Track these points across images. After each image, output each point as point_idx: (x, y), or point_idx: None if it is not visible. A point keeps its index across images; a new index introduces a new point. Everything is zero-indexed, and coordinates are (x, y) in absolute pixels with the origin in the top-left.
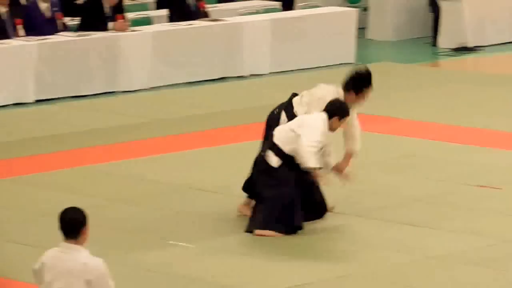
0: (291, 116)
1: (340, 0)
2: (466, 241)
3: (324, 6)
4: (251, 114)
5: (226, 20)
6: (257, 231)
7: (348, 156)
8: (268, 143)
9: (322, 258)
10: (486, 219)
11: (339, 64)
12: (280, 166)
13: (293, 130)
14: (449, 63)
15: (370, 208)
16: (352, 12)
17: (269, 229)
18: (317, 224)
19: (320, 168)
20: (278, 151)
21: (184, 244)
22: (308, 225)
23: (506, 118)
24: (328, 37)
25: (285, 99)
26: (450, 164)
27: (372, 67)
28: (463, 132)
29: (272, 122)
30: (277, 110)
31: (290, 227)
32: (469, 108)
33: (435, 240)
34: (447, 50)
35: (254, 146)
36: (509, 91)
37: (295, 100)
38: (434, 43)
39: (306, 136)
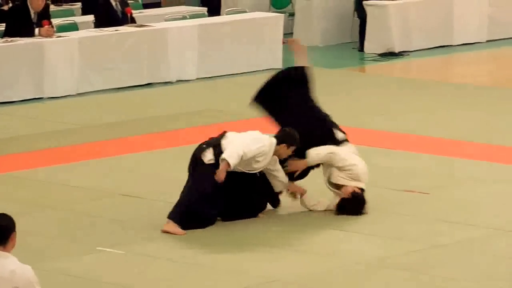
0: (218, 154)
1: (266, 6)
2: (393, 246)
3: (251, 12)
4: (178, 120)
5: (152, 26)
6: (165, 227)
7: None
8: (215, 140)
9: (249, 265)
10: (414, 224)
11: (266, 69)
12: (210, 164)
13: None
14: (375, 68)
15: (296, 213)
16: (278, 18)
17: (178, 225)
18: (247, 231)
19: (228, 167)
20: (218, 153)
21: (113, 250)
22: (235, 233)
23: (431, 123)
24: (255, 42)
25: (211, 104)
26: (376, 169)
27: None
28: (388, 137)
29: (197, 155)
30: (205, 145)
31: (199, 222)
32: (395, 113)
33: (362, 245)
34: (373, 55)
35: (182, 152)
36: (435, 96)
37: (223, 142)
38: (361, 48)
39: (246, 143)
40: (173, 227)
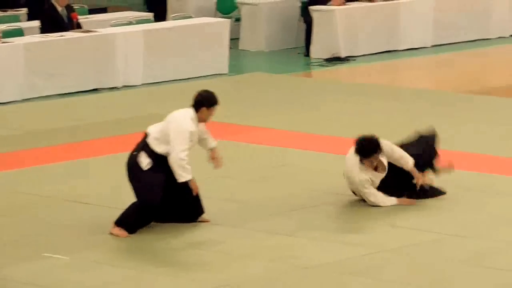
0: (151, 154)
1: (212, 11)
2: (343, 250)
3: (197, 17)
4: (125, 125)
5: (98, 31)
6: (112, 230)
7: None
8: (142, 142)
9: (197, 270)
10: (363, 228)
11: (213, 74)
12: (149, 169)
13: (167, 133)
14: (321, 73)
15: (246, 218)
16: (224, 23)
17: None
18: (193, 235)
19: (190, 179)
20: (151, 153)
21: (59, 256)
22: (183, 237)
23: (376, 127)
24: (201, 47)
25: (157, 110)
26: (321, 173)
27: (245, 78)
28: (334, 142)
29: (132, 164)
30: (135, 152)
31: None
32: (340, 118)
33: (311, 250)
34: (319, 60)
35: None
36: (381, 101)
37: (150, 141)
38: (307, 54)
39: (174, 148)
40: (118, 230)
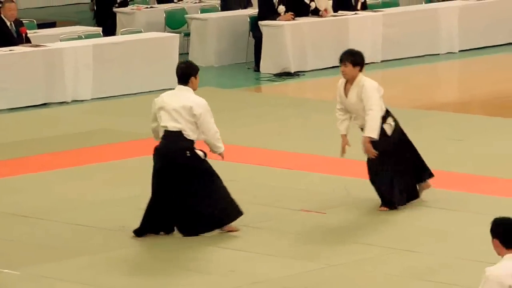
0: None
1: (162, 26)
2: (295, 265)
3: (146, 32)
4: (73, 140)
5: (47, 46)
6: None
7: None
8: (177, 140)
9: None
10: (314, 243)
11: (162, 89)
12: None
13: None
14: (270, 88)
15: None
16: (173, 38)
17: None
18: (150, 250)
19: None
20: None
21: (8, 271)
22: (149, 250)
23: (324, 142)
24: (151, 62)
25: (107, 124)
26: (272, 188)
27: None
28: (284, 157)
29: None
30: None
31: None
32: (289, 133)
33: (263, 266)
34: (269, 75)
35: (76, 172)
36: (330, 115)
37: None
38: (256, 69)
39: (212, 124)
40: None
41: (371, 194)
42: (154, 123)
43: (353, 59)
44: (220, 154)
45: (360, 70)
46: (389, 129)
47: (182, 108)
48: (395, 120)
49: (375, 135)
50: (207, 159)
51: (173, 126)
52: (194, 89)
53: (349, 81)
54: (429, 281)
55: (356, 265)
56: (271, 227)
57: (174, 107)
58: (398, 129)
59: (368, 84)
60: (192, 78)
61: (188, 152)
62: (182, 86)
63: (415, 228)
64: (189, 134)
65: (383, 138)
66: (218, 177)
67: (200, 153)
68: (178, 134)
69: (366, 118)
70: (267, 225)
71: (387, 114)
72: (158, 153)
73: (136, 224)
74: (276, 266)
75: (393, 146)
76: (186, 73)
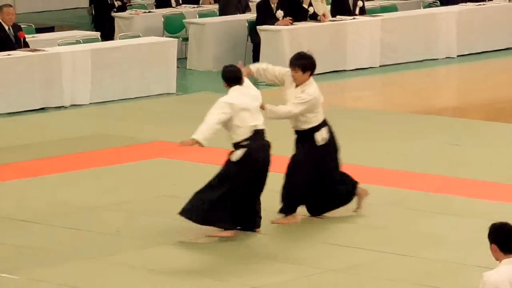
0: None
1: (160, 30)
2: (287, 271)
3: (144, 36)
4: (72, 145)
5: (45, 50)
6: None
7: None
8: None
9: None
10: (308, 248)
11: (161, 94)
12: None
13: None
14: (269, 92)
15: (189, 237)
16: (172, 42)
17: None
18: (134, 254)
19: None
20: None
21: (6, 275)
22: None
23: None
24: (149, 67)
25: (105, 129)
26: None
27: (193, 98)
28: (282, 161)
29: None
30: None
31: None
32: (285, 137)
33: (255, 271)
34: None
35: (75, 177)
36: (330, 121)
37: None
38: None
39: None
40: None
41: (367, 198)
42: (218, 126)
43: (303, 64)
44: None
45: (310, 75)
46: (320, 139)
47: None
48: (330, 133)
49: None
50: None
51: (261, 124)
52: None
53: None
54: (426, 285)
55: (351, 270)
56: (267, 231)
57: (254, 106)
58: (331, 142)
59: (307, 91)
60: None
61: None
62: (239, 86)
63: (411, 233)
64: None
65: (311, 146)
66: None
67: None
68: (264, 131)
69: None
70: (264, 231)
71: (323, 124)
72: (263, 150)
73: (131, 228)
74: (267, 272)
75: (319, 157)
76: (239, 75)
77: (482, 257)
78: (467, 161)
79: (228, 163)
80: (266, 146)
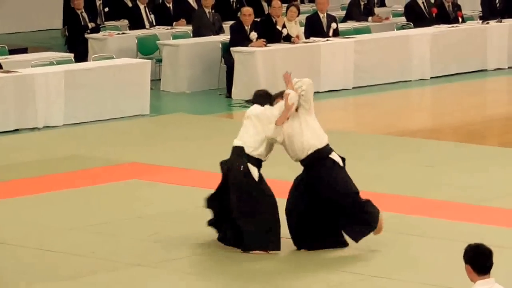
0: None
1: (134, 52)
2: None
3: (118, 58)
4: (45, 166)
5: (19, 72)
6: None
7: None
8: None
9: None
10: (287, 271)
11: (134, 115)
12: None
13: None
14: (242, 114)
15: (166, 258)
16: (145, 64)
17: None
18: (117, 275)
19: None
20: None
21: None
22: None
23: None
24: (123, 88)
25: (78, 150)
26: None
27: (166, 118)
28: None
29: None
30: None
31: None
32: None
33: None
34: (241, 101)
35: (47, 198)
36: None
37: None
38: (228, 95)
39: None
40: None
41: None
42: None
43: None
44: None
45: None
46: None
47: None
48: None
49: None
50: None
51: (239, 142)
52: None
53: None
54: None
55: None
56: (240, 252)
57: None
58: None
59: None
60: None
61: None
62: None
63: (386, 255)
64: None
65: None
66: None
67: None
68: (239, 149)
69: None
70: (236, 250)
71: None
72: (226, 164)
73: (106, 249)
74: None
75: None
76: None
77: (456, 278)
78: (440, 182)
79: None
80: (229, 162)
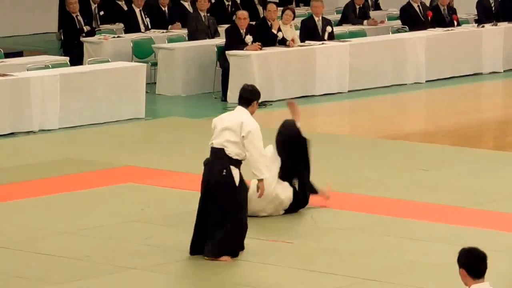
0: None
1: (129, 55)
2: None
3: (113, 61)
4: (40, 170)
5: (14, 75)
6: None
7: None
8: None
9: None
10: (280, 274)
11: (129, 119)
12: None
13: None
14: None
15: (160, 262)
16: (141, 67)
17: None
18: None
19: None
20: (237, 163)
21: None
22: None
23: None
24: (118, 92)
25: (74, 154)
26: None
27: (162, 122)
28: None
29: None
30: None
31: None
32: None
33: None
34: (236, 104)
35: (44, 202)
36: None
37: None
38: (224, 98)
39: (257, 148)
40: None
41: (338, 223)
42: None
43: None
44: (259, 180)
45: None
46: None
47: (233, 125)
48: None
49: None
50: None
51: (217, 142)
52: (252, 113)
53: None
54: None
55: None
56: (241, 257)
57: (225, 125)
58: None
59: None
60: (254, 102)
61: (225, 170)
62: (241, 107)
63: (380, 258)
64: (231, 151)
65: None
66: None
67: (236, 174)
68: (221, 150)
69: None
70: (238, 257)
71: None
72: (204, 170)
73: (101, 253)
74: None
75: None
76: (249, 97)
77: (451, 282)
78: (435, 186)
79: None
80: (207, 164)
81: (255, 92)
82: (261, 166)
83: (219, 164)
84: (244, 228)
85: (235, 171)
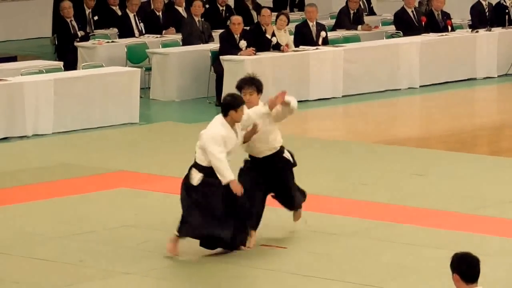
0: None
1: (123, 60)
2: None
3: (107, 66)
4: (34, 175)
5: (8, 80)
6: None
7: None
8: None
9: None
10: (274, 278)
11: (123, 124)
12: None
13: (202, 147)
14: None
15: (154, 266)
16: (135, 72)
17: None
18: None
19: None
20: (201, 168)
21: None
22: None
23: None
24: (112, 97)
25: (68, 159)
26: None
27: (156, 127)
28: None
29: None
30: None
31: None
32: None
33: None
34: None
35: (38, 206)
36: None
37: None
38: (218, 103)
39: (212, 153)
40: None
41: (332, 228)
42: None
43: (257, 86)
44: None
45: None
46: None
47: (201, 133)
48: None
49: None
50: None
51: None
52: (236, 121)
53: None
54: None
55: None
56: (235, 262)
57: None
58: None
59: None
60: (232, 112)
61: (188, 173)
62: (219, 116)
63: (375, 263)
64: (197, 157)
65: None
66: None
67: (195, 177)
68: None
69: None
70: (227, 260)
71: None
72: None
73: (94, 258)
74: None
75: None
76: (225, 105)
77: (444, 287)
78: (430, 191)
79: None
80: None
81: (230, 102)
82: (221, 171)
83: (189, 169)
84: (214, 220)
85: (194, 174)
